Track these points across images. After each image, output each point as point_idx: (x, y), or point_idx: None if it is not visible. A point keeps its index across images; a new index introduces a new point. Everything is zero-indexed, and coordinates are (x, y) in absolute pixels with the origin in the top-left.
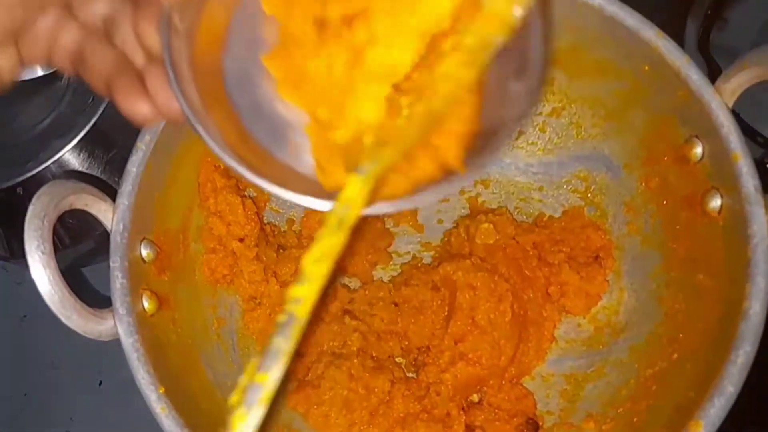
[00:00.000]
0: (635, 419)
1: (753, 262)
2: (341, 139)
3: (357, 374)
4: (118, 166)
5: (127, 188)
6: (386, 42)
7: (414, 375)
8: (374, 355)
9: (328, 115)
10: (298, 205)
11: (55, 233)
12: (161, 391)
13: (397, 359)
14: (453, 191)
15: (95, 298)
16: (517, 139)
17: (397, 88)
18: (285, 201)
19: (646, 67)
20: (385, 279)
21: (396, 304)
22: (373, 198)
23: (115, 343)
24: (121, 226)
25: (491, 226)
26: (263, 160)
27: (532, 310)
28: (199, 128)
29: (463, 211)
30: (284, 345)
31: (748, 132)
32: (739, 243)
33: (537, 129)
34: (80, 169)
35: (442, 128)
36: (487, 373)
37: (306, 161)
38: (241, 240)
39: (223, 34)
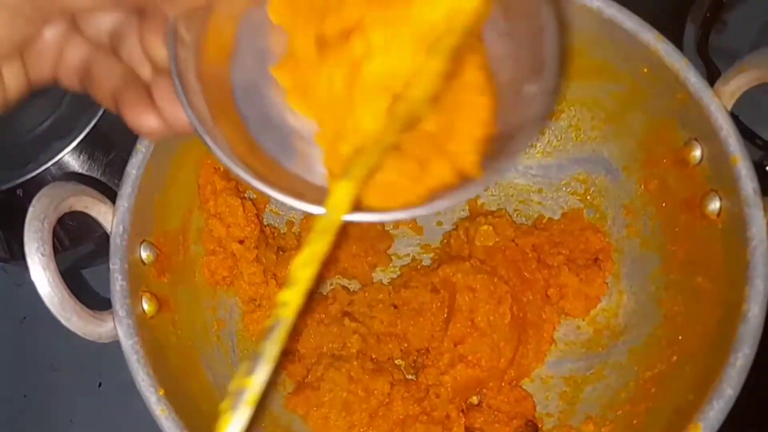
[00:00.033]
0: (634, 421)
1: (752, 264)
2: (347, 151)
3: (356, 376)
4: (118, 168)
5: (126, 190)
6: (383, 53)
7: (413, 377)
8: (374, 357)
9: (334, 128)
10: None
11: (55, 235)
12: (161, 393)
13: (396, 361)
14: (469, 197)
15: (95, 300)
16: (536, 142)
17: (397, 98)
18: (285, 203)
19: (645, 70)
20: (385, 281)
21: (395, 306)
22: (383, 205)
23: (115, 345)
24: (121, 228)
25: (490, 228)
26: (272, 170)
27: (532, 312)
28: (208, 139)
29: (462, 213)
30: (271, 348)
31: (747, 134)
32: (738, 246)
33: None
34: (80, 171)
35: (458, 133)
36: (486, 375)
37: (317, 170)
38: (241, 242)
39: (231, 44)
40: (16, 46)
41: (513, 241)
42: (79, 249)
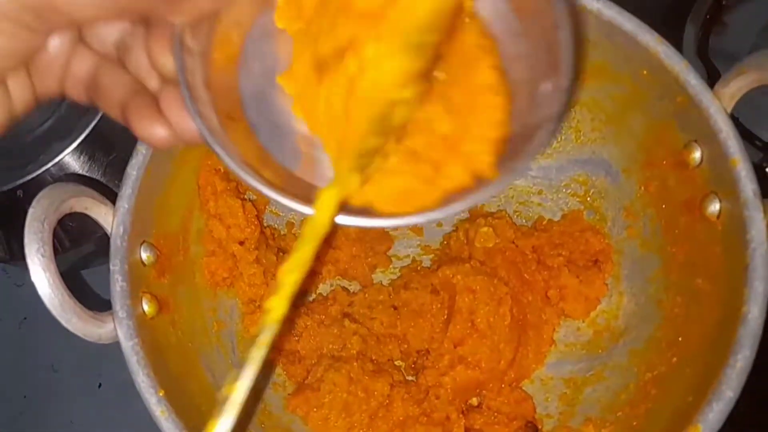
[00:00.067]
0: (634, 423)
1: (751, 266)
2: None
3: (356, 377)
4: (118, 169)
5: (127, 191)
6: (375, 67)
7: (413, 378)
8: (374, 358)
9: (335, 142)
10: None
11: (55, 236)
12: (161, 394)
13: (396, 362)
14: (485, 200)
15: (95, 301)
16: (554, 141)
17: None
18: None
19: (645, 72)
20: (385, 282)
21: (395, 308)
22: (397, 209)
23: (115, 346)
24: (121, 229)
25: (490, 229)
26: (282, 177)
27: (532, 313)
28: (218, 148)
29: (462, 214)
30: (258, 354)
31: (746, 136)
32: (738, 248)
33: None
34: (80, 172)
35: (473, 134)
36: (486, 376)
37: (327, 176)
38: (241, 243)
39: (238, 51)
40: (22, 58)
41: (513, 242)
42: (80, 250)
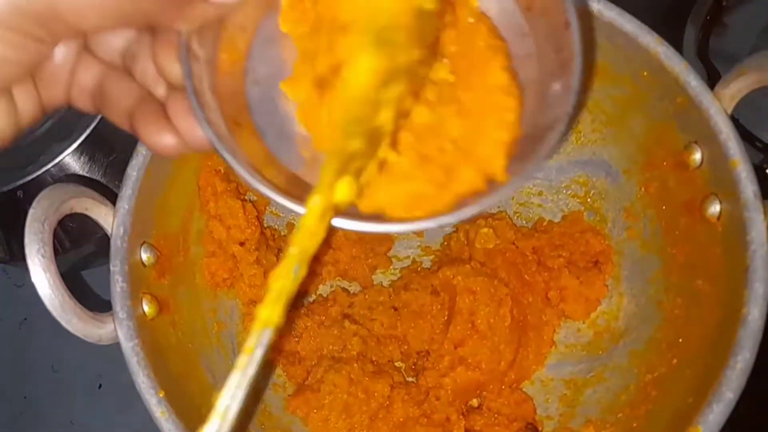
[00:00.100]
0: (634, 424)
1: (752, 268)
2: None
3: (357, 378)
4: (118, 170)
5: (127, 192)
6: (348, 67)
7: (414, 379)
8: (374, 359)
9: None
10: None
11: (56, 237)
12: (161, 395)
13: (396, 363)
14: (498, 202)
15: (95, 302)
16: (565, 140)
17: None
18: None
19: (645, 73)
20: (385, 283)
21: (396, 309)
22: (409, 214)
23: (115, 346)
24: (122, 230)
25: (491, 230)
26: (291, 182)
27: (532, 314)
28: (227, 155)
29: None
30: (244, 360)
31: (746, 137)
32: (738, 249)
33: None
34: (81, 172)
35: (484, 137)
36: (486, 377)
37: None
38: (242, 244)
39: (244, 56)
40: (28, 68)
41: (513, 243)
42: (80, 251)
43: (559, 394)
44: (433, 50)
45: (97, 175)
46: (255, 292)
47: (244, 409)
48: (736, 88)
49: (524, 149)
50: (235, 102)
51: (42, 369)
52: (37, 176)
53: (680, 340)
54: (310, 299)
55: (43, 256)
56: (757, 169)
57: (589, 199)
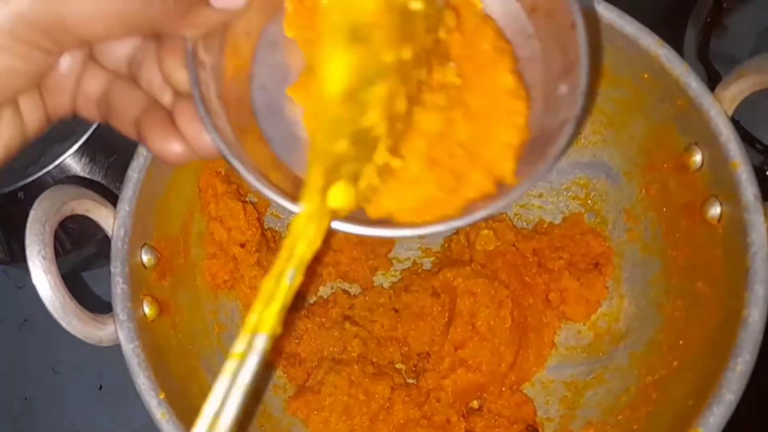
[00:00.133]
0: (635, 426)
1: (752, 270)
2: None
3: (357, 380)
4: (119, 171)
5: (128, 194)
6: (321, 66)
7: (414, 381)
8: (374, 361)
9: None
10: None
11: (56, 238)
12: (162, 397)
13: (397, 365)
14: (507, 205)
15: (96, 304)
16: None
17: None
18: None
19: (646, 75)
20: (386, 285)
21: (396, 310)
22: (419, 219)
23: (116, 348)
24: (122, 232)
25: (491, 232)
26: (299, 186)
27: (532, 316)
28: (235, 161)
29: None
30: (231, 365)
31: (747, 139)
32: (739, 251)
33: None
34: (81, 174)
35: (493, 140)
36: (487, 379)
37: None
38: (242, 245)
39: (249, 62)
40: (34, 78)
41: (514, 245)
42: (80, 252)
43: (560, 396)
44: (430, 52)
45: (97, 177)
46: (256, 293)
47: (243, 410)
48: (736, 89)
49: (533, 152)
50: (241, 108)
51: (42, 370)
52: (38, 178)
53: (680, 342)
54: (311, 301)
55: (43, 258)
56: (758, 171)
57: (589, 201)
